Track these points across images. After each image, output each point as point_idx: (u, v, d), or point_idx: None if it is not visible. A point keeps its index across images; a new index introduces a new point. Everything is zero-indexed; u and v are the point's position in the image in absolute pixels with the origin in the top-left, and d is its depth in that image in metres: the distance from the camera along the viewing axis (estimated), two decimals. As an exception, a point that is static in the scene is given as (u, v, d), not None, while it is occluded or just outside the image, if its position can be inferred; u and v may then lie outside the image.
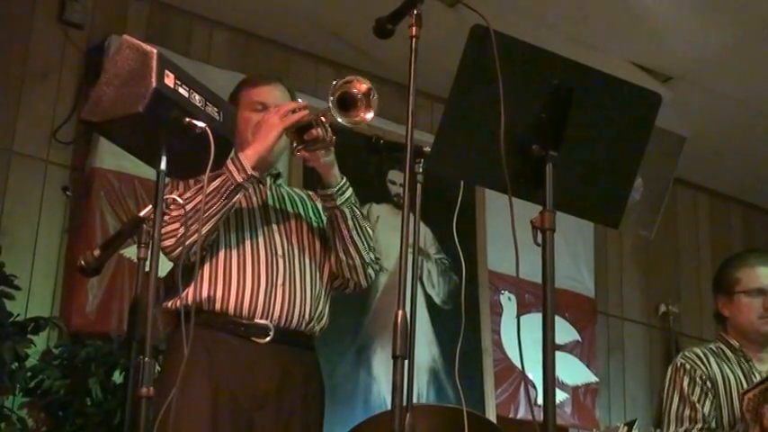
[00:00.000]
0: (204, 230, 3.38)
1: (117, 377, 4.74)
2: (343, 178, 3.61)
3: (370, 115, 3.43)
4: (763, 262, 3.90)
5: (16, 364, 4.60)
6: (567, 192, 2.83)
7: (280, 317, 3.50)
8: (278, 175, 3.81)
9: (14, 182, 5.41)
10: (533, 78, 2.82)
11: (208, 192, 3.34)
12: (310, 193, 3.73)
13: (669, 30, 6.21)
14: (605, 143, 2.93)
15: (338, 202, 3.59)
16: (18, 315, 4.74)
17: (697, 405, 3.71)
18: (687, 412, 3.72)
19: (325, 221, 3.71)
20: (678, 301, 7.65)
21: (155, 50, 2.93)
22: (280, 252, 3.58)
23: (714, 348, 3.88)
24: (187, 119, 2.93)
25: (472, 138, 2.79)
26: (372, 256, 3.70)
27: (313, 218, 3.73)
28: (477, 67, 2.73)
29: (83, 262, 3.39)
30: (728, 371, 3.78)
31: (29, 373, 4.72)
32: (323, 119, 3.47)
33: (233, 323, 3.48)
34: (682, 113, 6.66)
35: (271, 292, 3.51)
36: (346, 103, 3.41)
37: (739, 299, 3.86)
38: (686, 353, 3.88)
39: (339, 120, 3.39)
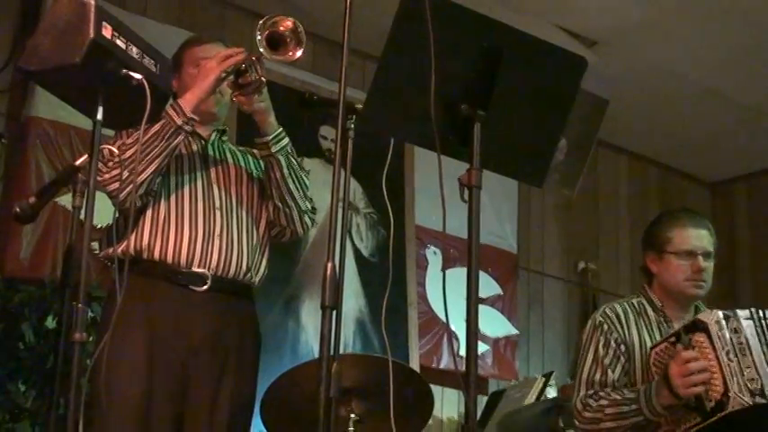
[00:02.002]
0: (148, 172, 3.39)
1: (50, 322, 4.71)
2: (279, 128, 3.63)
3: (299, 52, 3.45)
4: (695, 224, 3.89)
5: (-50, 308, 4.58)
6: (494, 150, 2.84)
7: (217, 266, 3.51)
8: (223, 132, 3.81)
9: (-51, 129, 5.35)
10: (464, 39, 2.82)
11: (149, 135, 3.35)
12: (255, 151, 3.72)
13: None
14: (531, 104, 2.94)
15: (274, 150, 3.60)
16: (-48, 260, 4.69)
17: (608, 369, 3.73)
18: (598, 376, 3.74)
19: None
20: (596, 259, 7.74)
21: (92, 2, 2.90)
22: (217, 204, 3.58)
23: (636, 305, 3.87)
24: (124, 70, 2.92)
25: (403, 96, 2.79)
26: (308, 205, 3.72)
27: (254, 170, 3.73)
28: (410, 26, 2.72)
29: (18, 209, 3.37)
30: (646, 334, 3.79)
31: (-38, 318, 4.69)
32: (255, 60, 3.49)
33: (171, 272, 3.47)
34: (605, 77, 6.70)
35: (208, 242, 3.51)
36: (276, 42, 3.43)
37: (669, 258, 3.85)
38: (607, 310, 3.87)
39: (271, 58, 3.43)
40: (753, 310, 3.57)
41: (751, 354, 3.46)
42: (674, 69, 6.98)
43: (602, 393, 3.69)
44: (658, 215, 4.07)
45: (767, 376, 3.44)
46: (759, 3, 6.19)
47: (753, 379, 3.41)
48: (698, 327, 3.51)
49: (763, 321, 3.57)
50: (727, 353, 3.44)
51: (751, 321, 3.54)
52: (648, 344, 3.73)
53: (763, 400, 3.39)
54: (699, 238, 3.87)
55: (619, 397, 3.65)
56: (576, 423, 3.79)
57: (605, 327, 3.81)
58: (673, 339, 3.56)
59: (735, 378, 3.40)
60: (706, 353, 3.45)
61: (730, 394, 3.38)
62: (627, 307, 3.88)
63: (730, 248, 8.32)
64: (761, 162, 8.29)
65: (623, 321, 3.83)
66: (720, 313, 3.53)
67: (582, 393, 3.74)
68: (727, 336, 3.47)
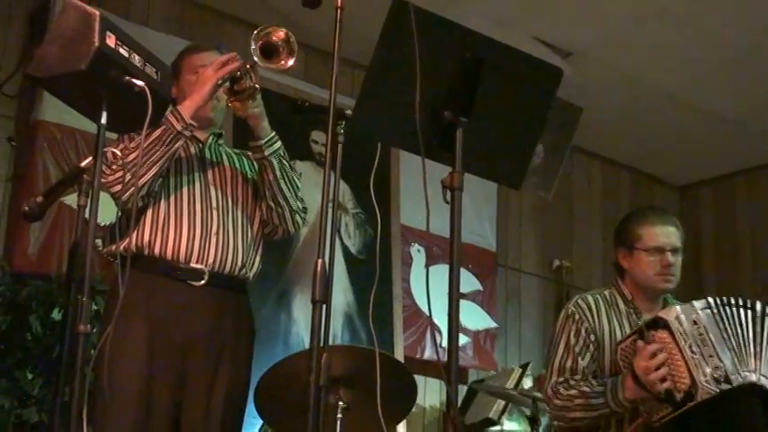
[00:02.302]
0: (149, 175, 3.40)
1: (56, 315, 4.70)
2: (272, 132, 3.64)
3: (291, 61, 3.45)
4: (663, 222, 3.89)
5: (-39, 301, 4.57)
6: (475, 154, 2.84)
7: (214, 262, 3.51)
8: (220, 135, 3.81)
9: (-39, 132, 5.35)
10: (447, 50, 2.82)
11: (151, 140, 3.36)
12: (249, 153, 3.72)
13: (571, 9, 6.26)
14: (510, 111, 2.94)
15: (267, 153, 3.61)
16: (-36, 256, 4.69)
17: (578, 357, 3.74)
18: (569, 363, 3.74)
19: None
20: (570, 257, 7.75)
21: (97, 12, 2.90)
22: (215, 204, 3.59)
23: (608, 296, 3.88)
24: (127, 77, 2.92)
25: (390, 103, 2.79)
26: (299, 205, 3.72)
27: (248, 172, 3.74)
28: (397, 38, 2.72)
29: (26, 208, 3.36)
30: (617, 324, 3.80)
31: (-27, 310, 4.68)
32: (250, 68, 3.49)
33: (170, 267, 3.48)
34: (580, 87, 6.72)
35: (205, 239, 3.52)
36: (269, 51, 3.43)
37: (639, 255, 3.86)
38: (579, 300, 3.88)
39: (264, 66, 3.43)
40: (709, 300, 3.57)
41: (711, 342, 3.46)
42: (644, 79, 7.00)
43: (572, 382, 3.69)
44: (628, 213, 4.07)
45: (728, 359, 3.44)
46: (721, 18, 6.21)
47: (717, 367, 3.42)
48: (659, 324, 3.51)
49: (719, 308, 3.57)
50: (690, 346, 3.44)
51: (708, 310, 3.54)
52: (618, 334, 3.74)
53: (729, 386, 3.40)
54: (667, 235, 3.88)
55: (587, 389, 3.65)
56: (547, 408, 3.80)
57: (577, 316, 3.82)
58: (635, 336, 3.56)
59: (700, 369, 3.40)
60: (669, 348, 3.45)
61: (698, 385, 3.39)
62: (599, 298, 3.88)
63: (697, 246, 8.35)
64: (725, 166, 8.33)
65: (594, 312, 3.83)
66: (679, 308, 3.53)
67: (553, 380, 3.74)
68: (688, 329, 3.46)
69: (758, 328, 3.55)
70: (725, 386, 3.39)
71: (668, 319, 3.49)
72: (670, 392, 3.44)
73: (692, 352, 3.43)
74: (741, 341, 3.51)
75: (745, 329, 3.54)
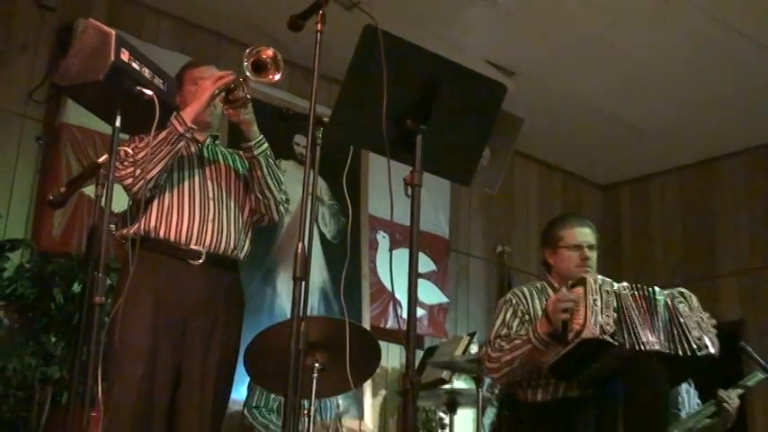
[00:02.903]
0: (156, 170, 3.38)
1: (76, 288, 4.69)
2: (260, 135, 3.62)
3: (278, 76, 3.44)
4: (580, 224, 3.95)
5: (-4, 274, 4.55)
6: (432, 156, 2.84)
7: (210, 244, 3.50)
8: (216, 137, 3.79)
9: (-2, 132, 5.37)
10: (410, 68, 2.81)
11: (158, 141, 3.34)
12: (241, 153, 3.71)
13: (514, 37, 6.28)
14: (462, 121, 2.93)
15: (255, 153, 3.59)
16: (-3, 237, 4.68)
17: (513, 329, 3.77)
18: (504, 331, 3.77)
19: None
20: (511, 243, 7.76)
21: (113, 32, 2.89)
22: (211, 195, 3.57)
23: (539, 287, 3.92)
24: (138, 87, 2.91)
25: (361, 112, 2.78)
26: (283, 197, 3.71)
27: (240, 169, 3.71)
28: (368, 57, 2.71)
29: (51, 197, 3.36)
30: None
31: (6, 283, 4.68)
32: (242, 81, 3.49)
33: (173, 248, 3.46)
34: (521, 101, 6.73)
35: (203, 225, 3.50)
36: (259, 67, 3.41)
37: (562, 252, 3.90)
38: (516, 290, 3.92)
39: (255, 80, 3.42)
40: (624, 283, 3.63)
41: (614, 308, 3.51)
42: (574, 95, 7.03)
43: (502, 342, 3.72)
44: (552, 220, 4.12)
45: (623, 327, 3.49)
46: (637, 42, 6.26)
47: (609, 324, 3.45)
48: (579, 282, 3.58)
49: (631, 291, 3.62)
50: (595, 300, 3.48)
51: (622, 290, 3.60)
52: None
53: (610, 340, 3.43)
54: (583, 234, 3.93)
55: (514, 337, 3.69)
56: (486, 370, 3.81)
57: (514, 301, 3.85)
58: None
59: (594, 317, 3.44)
60: (580, 299, 3.50)
61: (587, 325, 3.42)
62: (532, 289, 3.93)
63: (616, 238, 8.40)
64: (640, 170, 8.37)
65: (528, 298, 3.87)
66: (600, 277, 3.60)
67: (489, 346, 3.76)
68: (599, 290, 3.52)
69: (653, 311, 3.62)
70: (607, 338, 3.42)
71: (587, 278, 3.56)
72: (565, 325, 3.48)
73: (594, 303, 3.48)
74: (637, 319, 3.56)
75: (644, 311, 3.60)
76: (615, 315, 3.50)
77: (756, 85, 6.72)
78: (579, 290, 3.53)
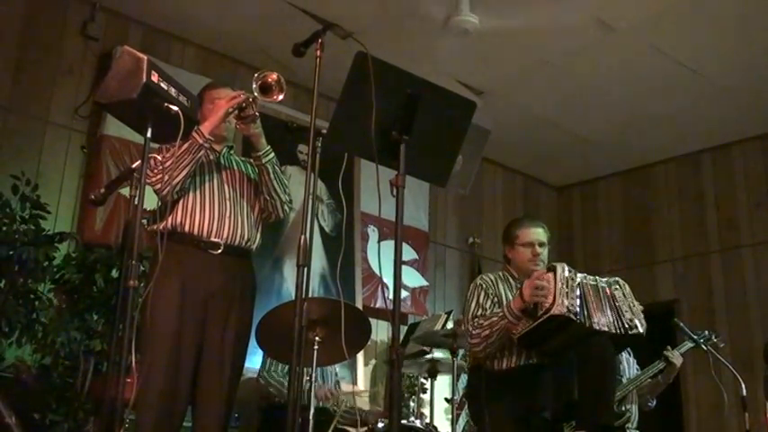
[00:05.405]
0: (181, 176, 3.39)
1: (114, 273, 4.69)
2: (268, 146, 3.62)
3: (281, 96, 3.45)
4: (534, 225, 3.98)
5: (47, 262, 4.58)
6: (413, 162, 2.84)
7: (227, 237, 3.50)
8: (231, 147, 3.78)
9: (49, 142, 5.39)
10: (394, 88, 2.81)
11: (182, 150, 3.37)
12: (251, 160, 3.71)
13: (482, 62, 6.28)
14: (439, 132, 2.94)
15: (264, 161, 3.60)
16: (49, 230, 4.71)
17: (486, 309, 3.78)
18: (480, 311, 3.78)
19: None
20: (481, 235, 7.77)
21: (146, 57, 2.90)
22: (227, 196, 3.58)
23: (502, 275, 3.95)
24: (166, 104, 2.91)
25: (354, 125, 2.78)
26: (287, 198, 3.70)
27: (251, 174, 3.71)
28: (359, 79, 2.72)
29: (93, 196, 3.36)
30: (509, 292, 3.86)
31: (55, 269, 4.69)
32: (252, 101, 3.49)
33: (196, 240, 3.46)
34: (489, 115, 6.74)
35: (221, 221, 3.51)
36: (265, 89, 3.42)
37: (517, 248, 3.94)
38: (484, 276, 3.94)
39: (261, 100, 3.42)
40: (581, 273, 3.69)
41: (575, 294, 3.56)
42: (532, 109, 7.05)
43: (480, 320, 3.73)
44: (510, 221, 4.15)
45: (581, 309, 3.54)
46: (589, 63, 6.27)
47: (573, 305, 3.50)
48: (550, 268, 3.63)
49: (586, 279, 3.67)
50: (563, 285, 3.54)
51: (581, 279, 3.64)
52: (511, 298, 3.78)
53: (573, 318, 3.49)
54: (536, 234, 3.96)
55: (490, 315, 3.72)
56: (469, 345, 3.81)
57: (484, 285, 3.87)
58: None
59: (561, 298, 3.50)
60: (550, 283, 3.54)
61: (555, 304, 3.49)
62: (496, 276, 3.96)
63: (569, 233, 8.41)
64: (589, 173, 8.38)
65: (495, 284, 3.90)
66: (567, 266, 3.65)
67: (470, 325, 3.77)
68: (566, 277, 3.57)
69: (601, 296, 3.66)
70: (571, 315, 3.48)
71: (557, 266, 3.62)
72: (536, 305, 3.53)
73: (562, 287, 3.54)
74: (592, 303, 3.60)
75: (597, 297, 3.63)
76: (578, 300, 3.53)
77: (684, 105, 6.75)
78: (549, 276, 3.57)
